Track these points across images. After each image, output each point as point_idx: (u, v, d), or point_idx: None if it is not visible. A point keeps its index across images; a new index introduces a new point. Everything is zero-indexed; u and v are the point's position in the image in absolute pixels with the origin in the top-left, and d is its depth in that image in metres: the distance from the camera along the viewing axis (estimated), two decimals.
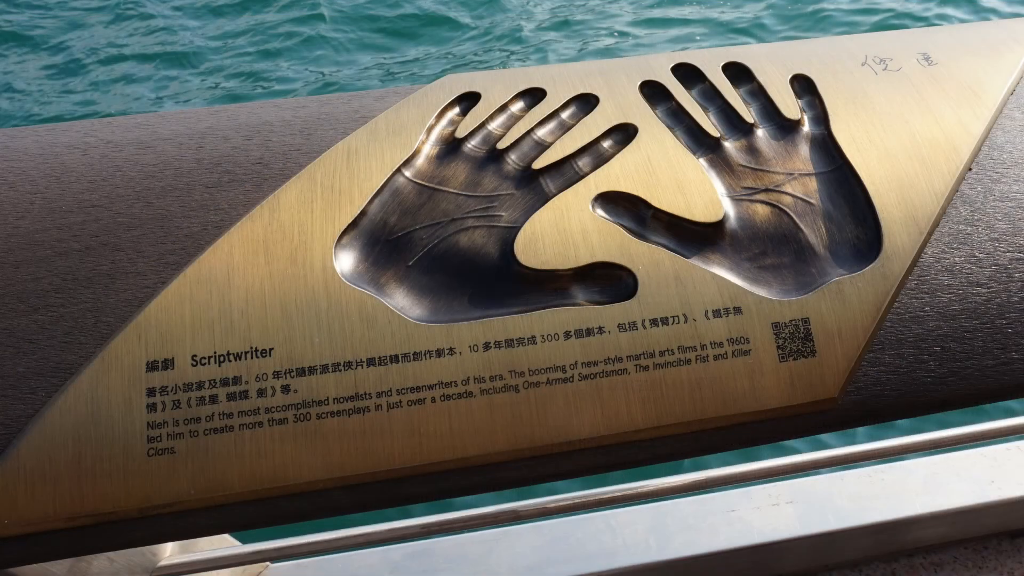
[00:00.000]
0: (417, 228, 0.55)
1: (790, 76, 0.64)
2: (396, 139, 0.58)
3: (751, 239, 0.55)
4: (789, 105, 0.62)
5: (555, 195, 0.56)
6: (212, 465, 0.46)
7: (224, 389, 0.47)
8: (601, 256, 0.53)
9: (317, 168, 0.56)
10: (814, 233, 0.56)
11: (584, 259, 0.53)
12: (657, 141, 0.59)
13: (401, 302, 0.51)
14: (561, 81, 0.63)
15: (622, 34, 4.11)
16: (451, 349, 0.49)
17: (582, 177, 0.57)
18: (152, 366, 0.47)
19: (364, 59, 3.96)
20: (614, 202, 0.56)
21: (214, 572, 0.88)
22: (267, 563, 0.95)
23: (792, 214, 0.57)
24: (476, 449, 0.48)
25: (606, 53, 3.95)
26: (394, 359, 0.49)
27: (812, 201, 0.57)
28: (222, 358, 0.48)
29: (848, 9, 4.17)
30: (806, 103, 0.63)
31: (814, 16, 4.15)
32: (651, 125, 0.60)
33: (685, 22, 4.18)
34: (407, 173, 0.57)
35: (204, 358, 0.48)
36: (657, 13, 4.27)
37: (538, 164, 0.58)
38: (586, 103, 0.62)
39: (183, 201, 0.54)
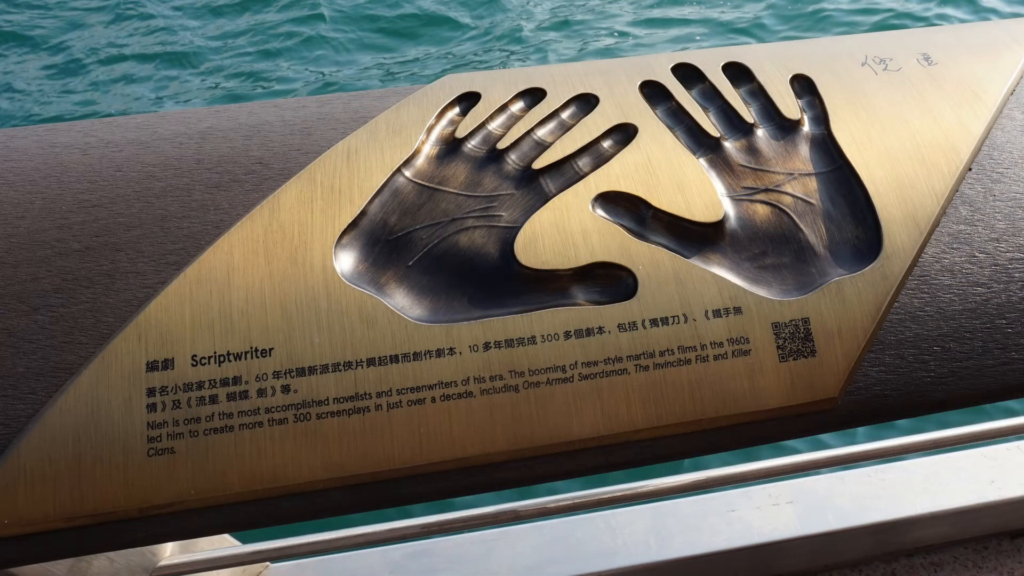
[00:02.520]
0: (417, 228, 0.55)
1: (790, 76, 0.64)
2: (396, 139, 0.58)
3: (751, 239, 0.55)
4: (789, 105, 0.62)
5: (555, 195, 0.56)
6: (212, 465, 0.46)
7: (224, 389, 0.47)
8: (601, 256, 0.53)
9: (317, 168, 0.55)
10: (814, 233, 0.56)
11: (584, 259, 0.53)
12: (657, 141, 0.59)
13: (401, 302, 0.51)
14: (561, 81, 0.63)
15: (622, 34, 4.10)
16: (451, 349, 0.49)
17: (582, 177, 0.57)
18: (152, 366, 0.47)
19: (364, 59, 3.96)
20: (614, 202, 0.56)
21: (214, 572, 0.88)
22: (267, 563, 0.94)
23: (792, 214, 0.57)
24: (476, 449, 0.48)
25: (606, 53, 3.95)
26: (394, 359, 0.49)
27: (812, 201, 0.57)
28: (222, 358, 0.48)
29: (848, 9, 4.16)
30: (806, 103, 0.63)
31: (814, 16, 4.14)
32: (651, 125, 0.60)
33: (685, 22, 4.18)
34: (407, 173, 0.57)
35: (204, 358, 0.48)
36: (657, 13, 4.27)
37: (538, 164, 0.58)
38: (586, 103, 0.62)
39: (183, 201, 0.54)
